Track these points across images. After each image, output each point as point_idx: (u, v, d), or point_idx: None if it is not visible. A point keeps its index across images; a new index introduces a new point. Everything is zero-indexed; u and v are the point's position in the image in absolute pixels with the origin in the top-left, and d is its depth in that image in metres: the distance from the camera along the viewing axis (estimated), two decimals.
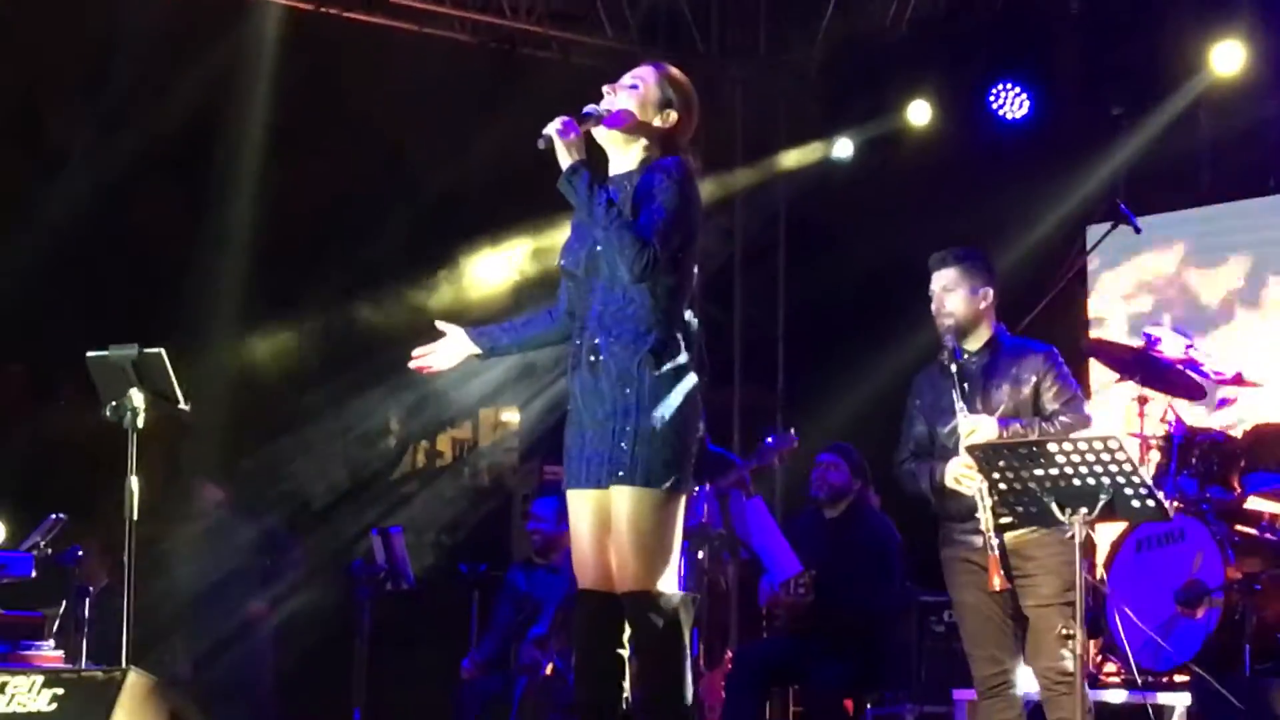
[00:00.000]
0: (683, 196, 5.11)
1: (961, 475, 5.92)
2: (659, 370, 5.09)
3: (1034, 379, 6.05)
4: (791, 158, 11.70)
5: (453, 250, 11.29)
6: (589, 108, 5.20)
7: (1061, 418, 5.97)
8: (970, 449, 5.77)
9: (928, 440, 6.15)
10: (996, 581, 5.87)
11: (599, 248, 5.14)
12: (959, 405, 6.00)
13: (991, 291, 6.18)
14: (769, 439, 8.70)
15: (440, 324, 5.52)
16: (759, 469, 8.63)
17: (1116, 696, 7.48)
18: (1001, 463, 5.53)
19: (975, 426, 5.93)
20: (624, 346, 5.11)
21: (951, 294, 6.15)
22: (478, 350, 5.48)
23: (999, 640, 6.05)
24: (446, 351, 5.49)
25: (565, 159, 5.09)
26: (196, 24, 10.33)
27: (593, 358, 5.14)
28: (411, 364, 5.51)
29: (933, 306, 6.20)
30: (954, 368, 6.04)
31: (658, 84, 5.27)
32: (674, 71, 5.36)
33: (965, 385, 6.01)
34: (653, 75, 5.29)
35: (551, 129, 5.10)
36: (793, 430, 8.78)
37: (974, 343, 6.16)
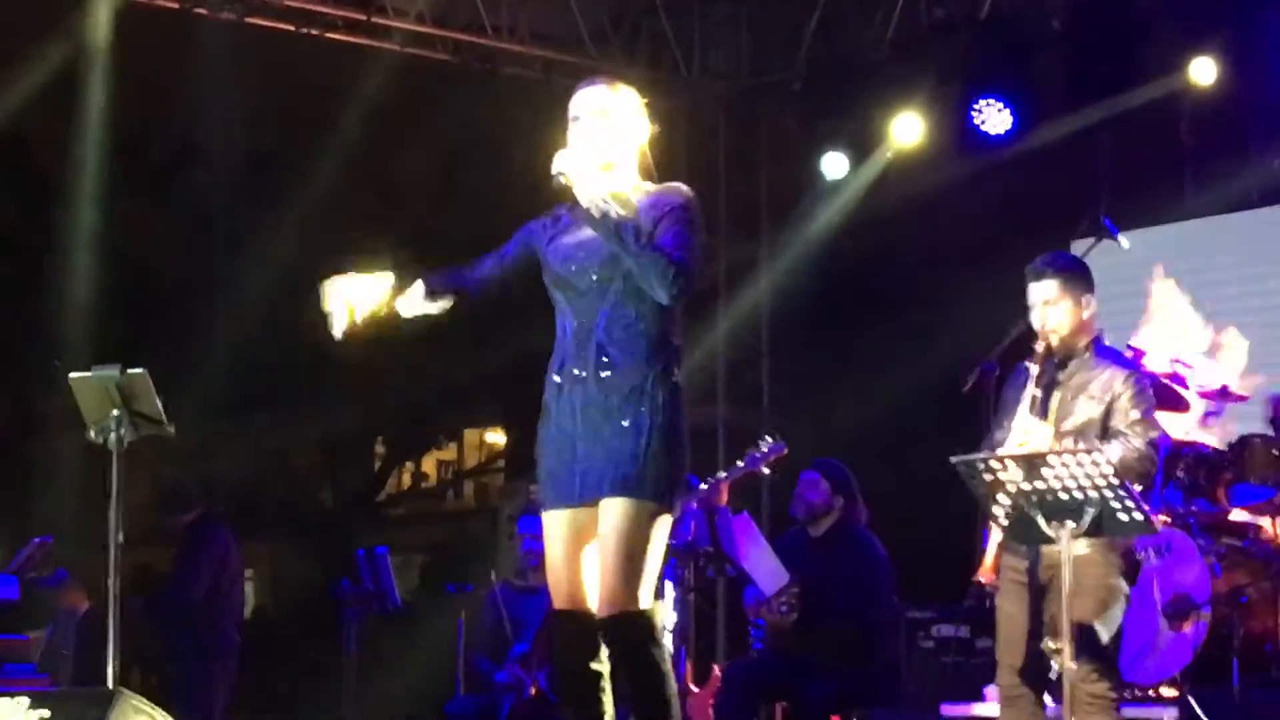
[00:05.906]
0: (696, 224, 5.13)
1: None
2: (669, 387, 5.09)
3: (1109, 397, 5.83)
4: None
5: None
6: (559, 164, 5.04)
7: (1117, 441, 5.70)
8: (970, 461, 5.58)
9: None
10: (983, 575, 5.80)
11: (619, 264, 5.08)
12: (1023, 409, 5.80)
13: (1094, 300, 5.96)
14: (761, 445, 8.48)
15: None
16: (749, 478, 8.48)
17: None
18: (993, 477, 5.48)
19: (1029, 433, 5.75)
20: (636, 362, 5.08)
21: (1055, 307, 5.90)
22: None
23: (1027, 654, 5.85)
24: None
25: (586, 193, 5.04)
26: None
27: (603, 373, 5.10)
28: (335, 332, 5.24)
29: (1034, 320, 5.93)
30: (1033, 370, 5.83)
31: (620, 102, 5.22)
32: (614, 82, 5.29)
33: (1040, 393, 5.80)
34: (612, 98, 5.22)
35: (565, 165, 5.03)
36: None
37: (1067, 353, 5.91)
